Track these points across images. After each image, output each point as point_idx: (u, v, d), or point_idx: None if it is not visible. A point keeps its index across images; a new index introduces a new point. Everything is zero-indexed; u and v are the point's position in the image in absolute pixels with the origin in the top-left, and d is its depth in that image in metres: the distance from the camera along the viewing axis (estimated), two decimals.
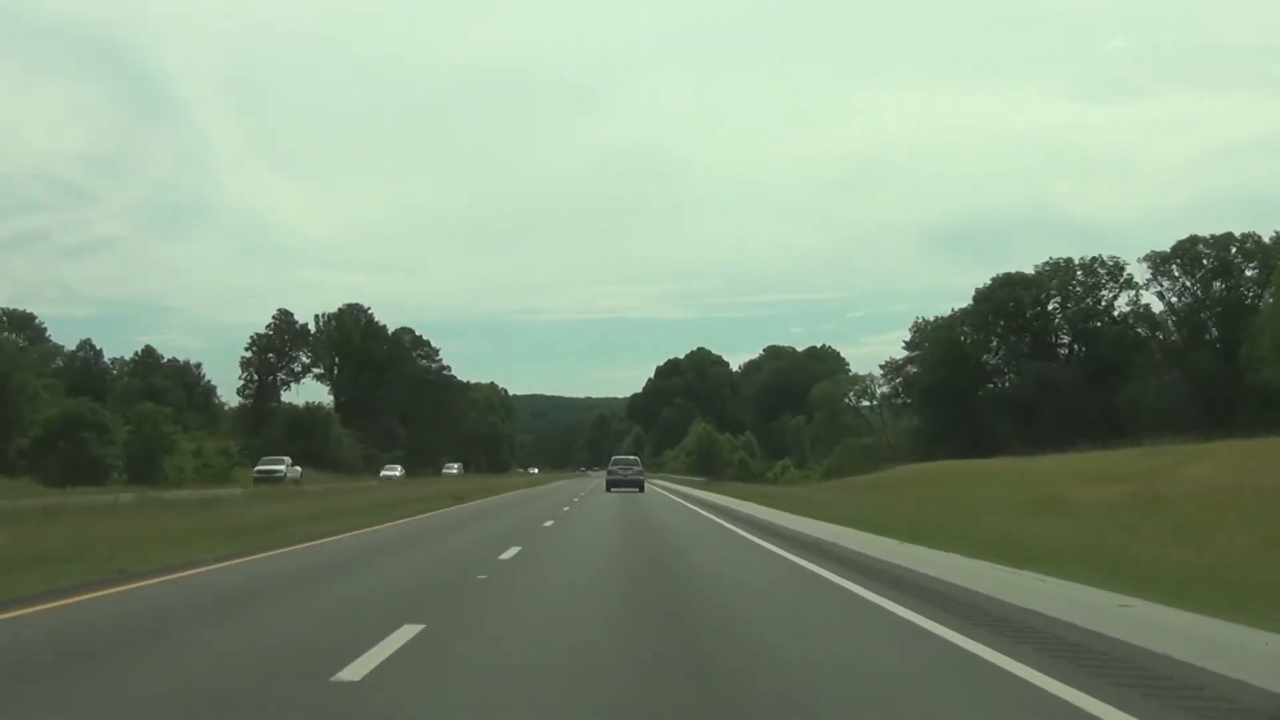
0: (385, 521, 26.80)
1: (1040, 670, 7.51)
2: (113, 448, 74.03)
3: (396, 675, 7.25)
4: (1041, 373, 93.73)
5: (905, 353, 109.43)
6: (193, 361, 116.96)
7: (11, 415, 71.84)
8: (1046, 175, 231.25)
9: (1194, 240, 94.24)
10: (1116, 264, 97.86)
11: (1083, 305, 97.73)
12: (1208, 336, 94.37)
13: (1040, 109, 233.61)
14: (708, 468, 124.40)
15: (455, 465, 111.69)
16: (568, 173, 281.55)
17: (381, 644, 8.31)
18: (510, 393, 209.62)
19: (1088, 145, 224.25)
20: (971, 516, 28.23)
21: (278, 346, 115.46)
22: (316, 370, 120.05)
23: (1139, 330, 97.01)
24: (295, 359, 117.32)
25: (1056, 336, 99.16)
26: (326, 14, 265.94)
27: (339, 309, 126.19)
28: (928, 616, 10.46)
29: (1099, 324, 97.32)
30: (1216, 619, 9.75)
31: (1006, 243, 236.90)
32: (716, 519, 30.59)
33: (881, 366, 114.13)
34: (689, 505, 40.39)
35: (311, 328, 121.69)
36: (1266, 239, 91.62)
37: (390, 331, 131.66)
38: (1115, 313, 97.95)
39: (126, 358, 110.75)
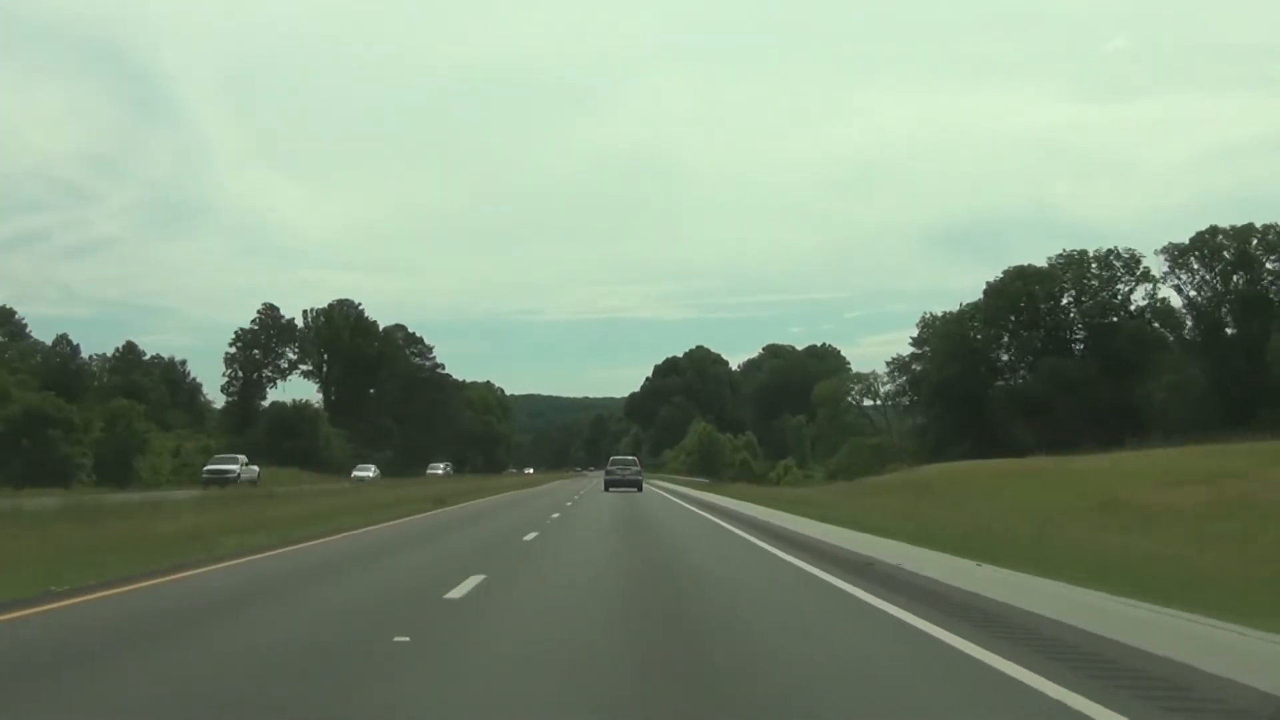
0: (332, 534, 21.95)
1: None
2: (79, 446, 69.09)
3: None
4: (1056, 369, 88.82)
5: (911, 349, 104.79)
6: (177, 358, 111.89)
7: None
8: (1046, 175, 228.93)
9: (1214, 231, 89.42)
10: (1133, 256, 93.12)
11: (1098, 299, 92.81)
12: (1228, 332, 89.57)
13: (1040, 109, 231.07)
14: (708, 468, 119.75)
15: (442, 465, 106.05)
16: (567, 173, 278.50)
17: None
18: (509, 393, 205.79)
19: (1087, 145, 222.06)
20: (1037, 526, 23.49)
21: (263, 342, 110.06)
22: (304, 367, 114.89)
23: (1156, 325, 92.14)
24: (281, 355, 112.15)
25: (1071, 332, 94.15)
26: (326, 14, 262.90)
27: (328, 305, 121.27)
28: (1093, 698, 6.25)
29: (1114, 319, 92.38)
30: None
31: (1006, 243, 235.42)
32: (737, 530, 25.72)
33: (888, 363, 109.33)
34: (700, 512, 35.51)
35: (300, 324, 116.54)
36: None
37: (382, 328, 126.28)
38: (1132, 307, 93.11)
39: (108, 354, 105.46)
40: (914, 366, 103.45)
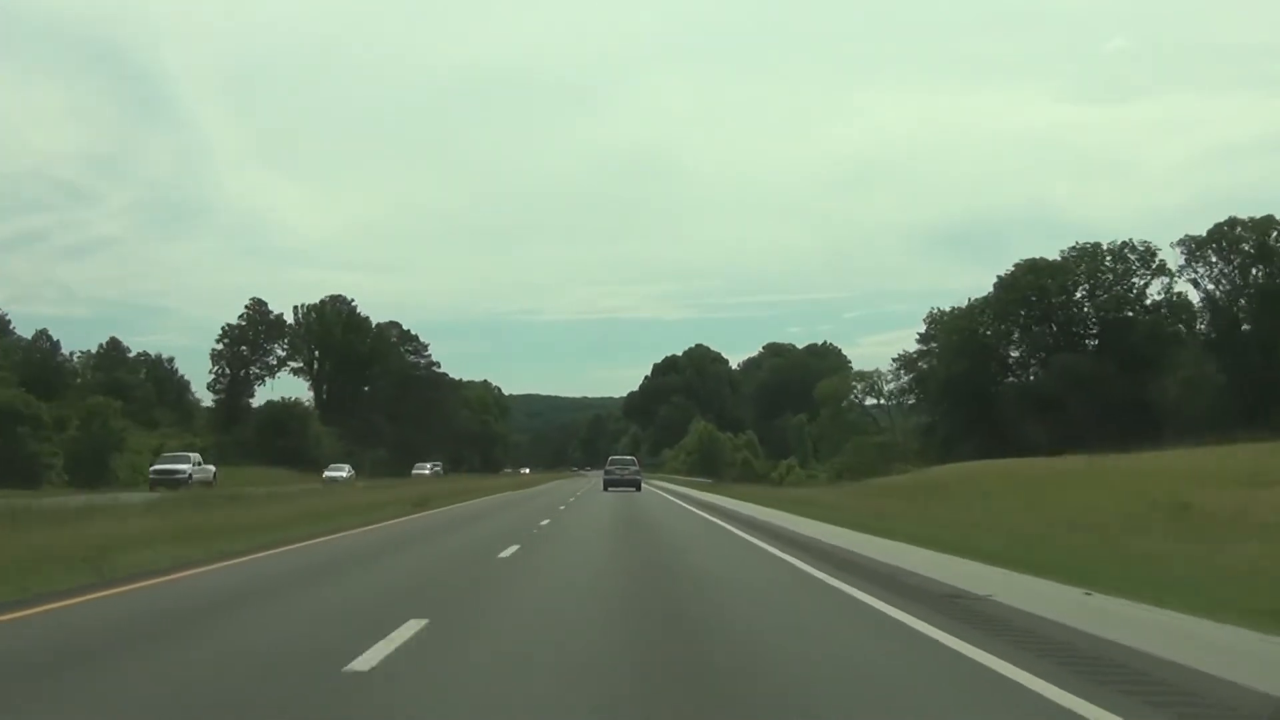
0: (270, 548, 18.01)
1: None
2: (49, 444, 65.11)
3: None
4: (1069, 365, 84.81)
5: (917, 346, 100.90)
6: (165, 355, 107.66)
7: None
8: (1045, 175, 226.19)
9: (1232, 223, 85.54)
10: (1148, 249, 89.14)
11: (1112, 293, 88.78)
12: (1246, 327, 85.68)
13: (1040, 109, 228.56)
14: (709, 468, 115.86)
15: (429, 465, 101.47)
16: (567, 172, 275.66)
17: None
18: (507, 393, 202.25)
19: (1087, 145, 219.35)
20: (1102, 536, 19.49)
21: (251, 339, 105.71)
22: (294, 364, 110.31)
23: (1173, 319, 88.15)
24: (270, 352, 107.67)
25: (1084, 327, 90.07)
26: (326, 14, 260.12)
27: (320, 300, 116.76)
28: None
29: (1129, 313, 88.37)
30: None
31: (1006, 243, 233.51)
32: (751, 537, 21.77)
33: (894, 359, 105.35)
34: (706, 516, 31.53)
35: (290, 320, 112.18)
36: None
37: (374, 325, 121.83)
38: (1147, 301, 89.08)
39: (91, 351, 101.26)
40: (920, 364, 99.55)
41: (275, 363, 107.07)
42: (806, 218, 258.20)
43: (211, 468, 60.49)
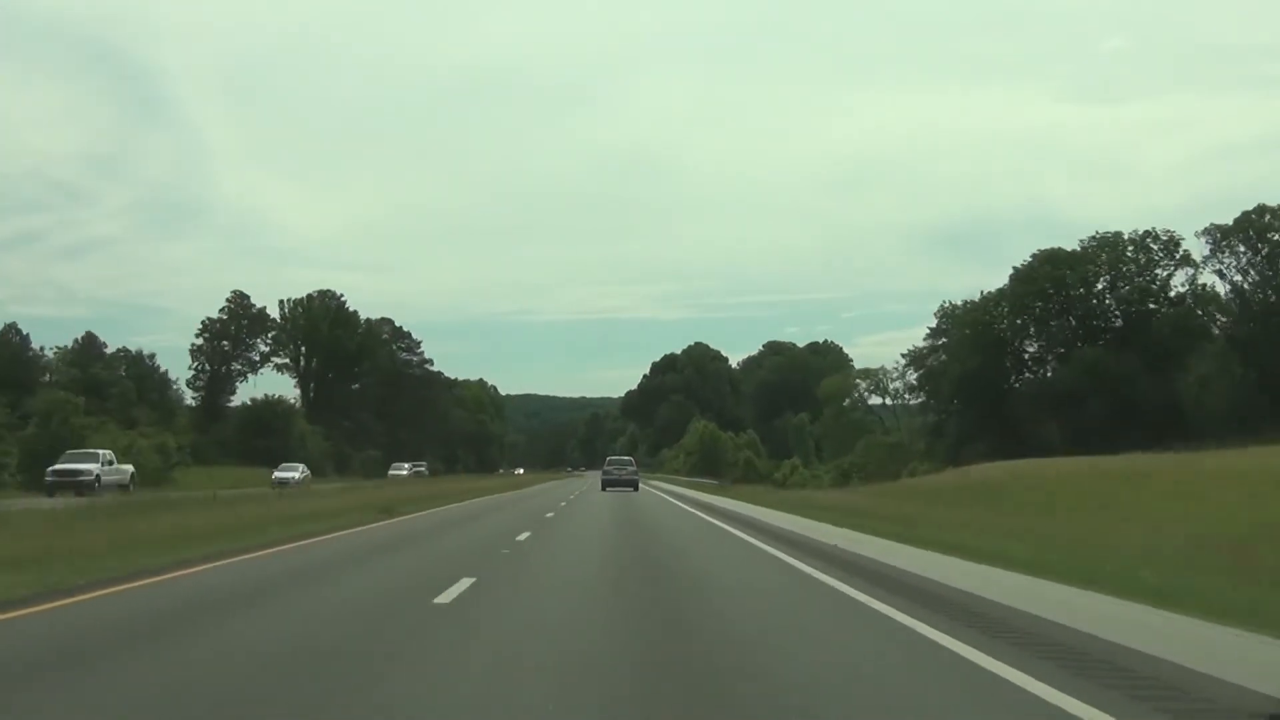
0: (126, 581, 12.14)
1: None
2: (3, 443, 59.09)
3: None
4: (1091, 360, 78.83)
5: (928, 341, 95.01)
6: (145, 351, 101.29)
7: None
8: (1044, 175, 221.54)
9: (1261, 211, 79.68)
10: (1171, 239, 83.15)
11: (1135, 284, 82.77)
12: (1277, 319, 79.76)
13: (1039, 109, 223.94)
14: (710, 468, 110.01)
15: (408, 466, 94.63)
16: (565, 172, 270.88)
17: None
18: (506, 393, 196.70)
19: (1085, 145, 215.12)
20: None
21: (233, 333, 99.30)
22: (277, 360, 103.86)
23: (1199, 312, 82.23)
24: (252, 347, 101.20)
25: (1106, 320, 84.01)
26: (325, 14, 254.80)
27: (307, 295, 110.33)
28: None
29: (1153, 305, 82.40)
30: None
31: (1005, 243, 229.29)
32: (812, 571, 15.85)
33: (903, 355, 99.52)
34: (736, 532, 25.61)
35: (276, 315, 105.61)
36: None
37: (364, 320, 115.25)
38: (1171, 293, 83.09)
39: (67, 346, 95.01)
40: (930, 360, 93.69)
41: (258, 359, 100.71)
42: (805, 217, 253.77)
43: (128, 468, 51.73)
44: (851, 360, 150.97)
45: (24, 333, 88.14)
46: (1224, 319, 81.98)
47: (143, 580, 12.62)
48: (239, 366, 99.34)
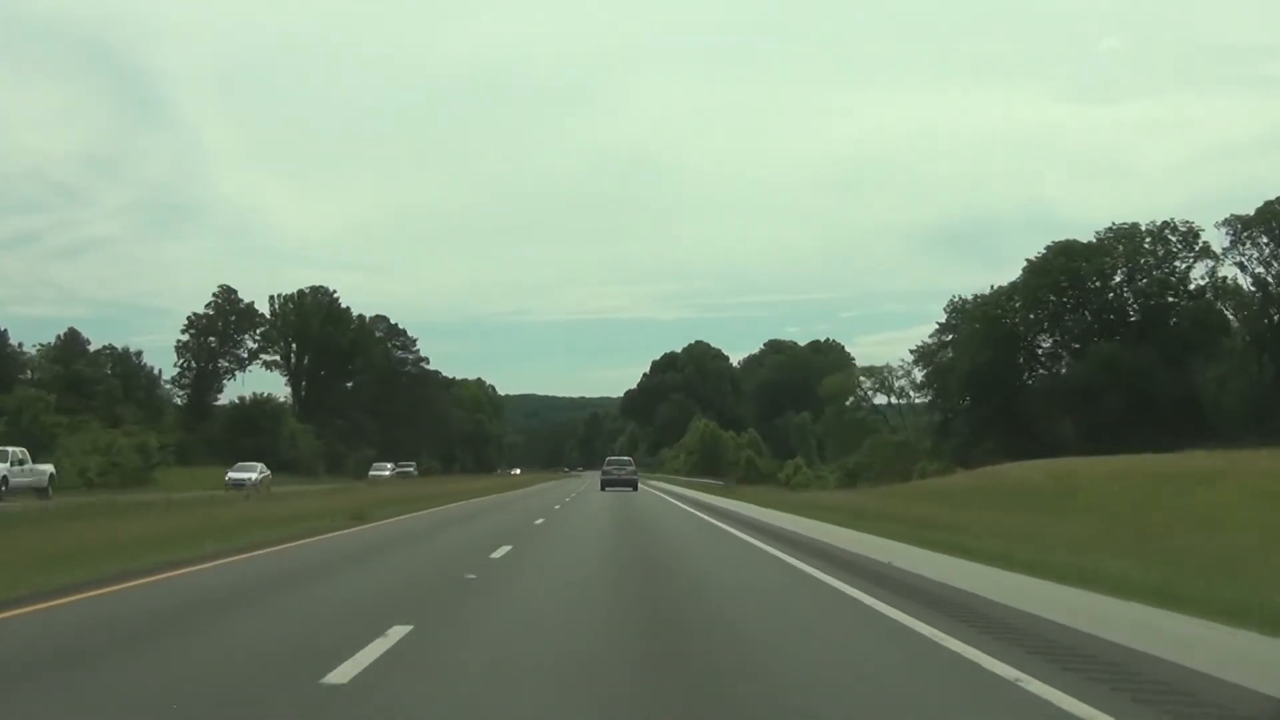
0: None
1: None
2: None
3: None
4: (1110, 355, 74.72)
5: (937, 336, 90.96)
6: (132, 349, 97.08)
7: None
8: (1043, 175, 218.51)
9: None
10: (1190, 230, 78.94)
11: (1153, 277, 78.60)
12: None
13: (1038, 109, 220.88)
14: (711, 467, 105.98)
15: (390, 466, 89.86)
16: (565, 173, 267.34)
17: None
18: (504, 393, 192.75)
19: (1084, 145, 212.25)
20: None
21: (220, 329, 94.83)
22: (266, 357, 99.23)
23: (1219, 306, 78.14)
24: (240, 344, 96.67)
25: (1124, 314, 79.78)
26: (324, 14, 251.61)
27: (298, 291, 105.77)
28: None
29: (1172, 298, 78.26)
30: None
31: (1005, 243, 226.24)
32: (912, 621, 11.78)
33: (912, 351, 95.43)
34: (754, 541, 21.58)
35: (266, 312, 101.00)
36: None
37: (356, 316, 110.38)
38: (1191, 286, 78.94)
39: (48, 343, 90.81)
40: (939, 355, 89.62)
41: (246, 356, 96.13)
42: (805, 217, 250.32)
43: (46, 469, 46.33)
44: (853, 359, 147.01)
45: (2, 329, 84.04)
46: (1245, 312, 77.91)
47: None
48: (226, 364, 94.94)
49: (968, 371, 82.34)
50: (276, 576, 13.46)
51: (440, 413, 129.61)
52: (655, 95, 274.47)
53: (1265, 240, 76.17)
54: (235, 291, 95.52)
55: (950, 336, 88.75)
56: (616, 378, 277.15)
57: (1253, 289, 76.93)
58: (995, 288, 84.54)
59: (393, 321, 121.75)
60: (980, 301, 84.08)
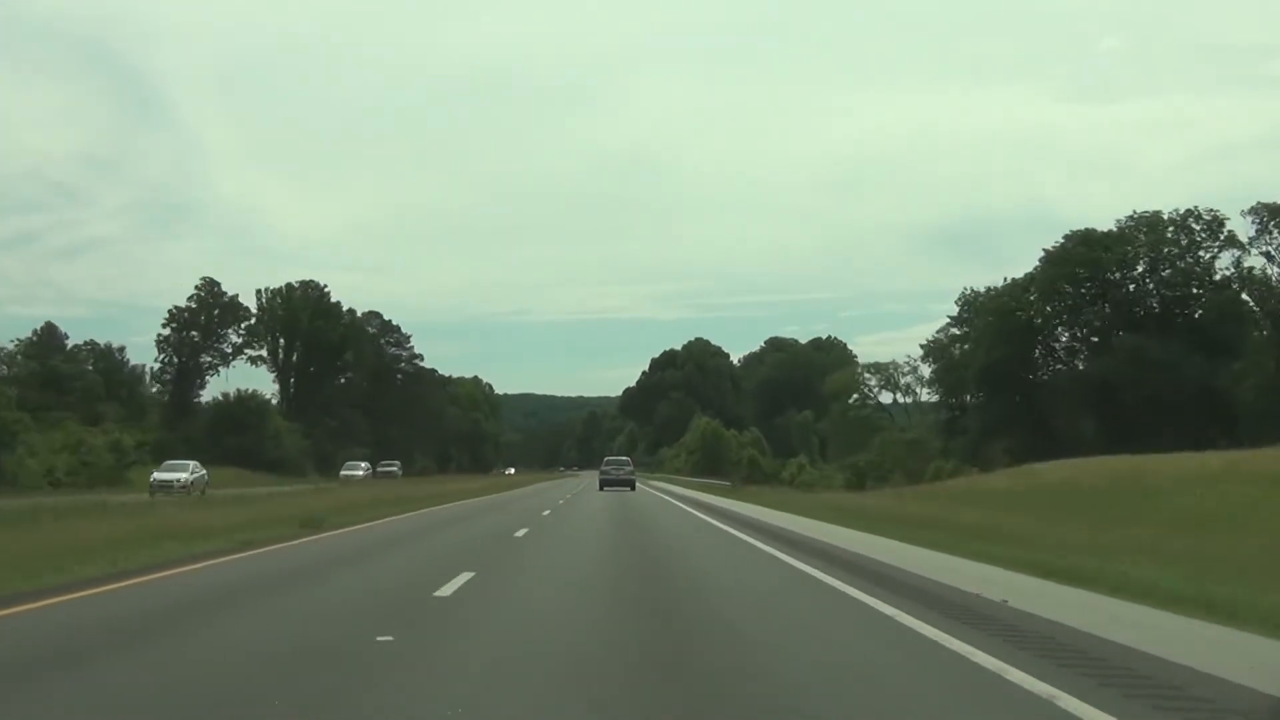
0: None
1: None
2: None
3: None
4: (1134, 348, 70.00)
5: (950, 330, 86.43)
6: (115, 345, 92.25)
7: None
8: (1044, 175, 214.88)
9: None
10: (1215, 218, 74.23)
11: (1177, 267, 73.87)
12: None
13: (1038, 109, 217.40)
14: (712, 467, 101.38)
15: (363, 465, 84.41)
16: (565, 173, 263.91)
17: None
18: (504, 392, 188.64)
19: (1084, 145, 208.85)
20: None
21: (202, 323, 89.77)
22: (251, 351, 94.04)
23: (1246, 298, 73.48)
24: (224, 338, 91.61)
25: (1147, 306, 75.03)
26: (324, 14, 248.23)
27: (286, 284, 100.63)
28: None
29: (1197, 289, 73.53)
30: None
31: (1004, 243, 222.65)
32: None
33: (922, 345, 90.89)
34: (801, 565, 16.84)
35: (253, 306, 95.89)
36: None
37: (345, 311, 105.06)
38: (1216, 277, 74.20)
39: (22, 338, 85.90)
40: (952, 349, 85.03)
41: (230, 351, 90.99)
42: (804, 217, 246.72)
43: None
44: (855, 356, 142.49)
45: None
46: (1273, 302, 73.26)
47: None
48: (210, 359, 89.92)
49: (981, 366, 77.77)
50: (113, 627, 8.81)
51: (435, 411, 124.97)
52: (655, 95, 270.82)
53: None
54: (219, 284, 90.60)
55: (964, 330, 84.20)
56: (616, 378, 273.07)
57: None
58: (1008, 280, 79.97)
59: (386, 318, 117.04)
60: (994, 294, 79.49)
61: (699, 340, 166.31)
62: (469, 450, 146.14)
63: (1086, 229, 76.20)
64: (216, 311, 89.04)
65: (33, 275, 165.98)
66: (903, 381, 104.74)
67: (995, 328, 76.89)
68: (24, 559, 12.90)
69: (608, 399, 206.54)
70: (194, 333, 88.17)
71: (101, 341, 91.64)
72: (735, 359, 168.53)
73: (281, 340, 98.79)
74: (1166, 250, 74.49)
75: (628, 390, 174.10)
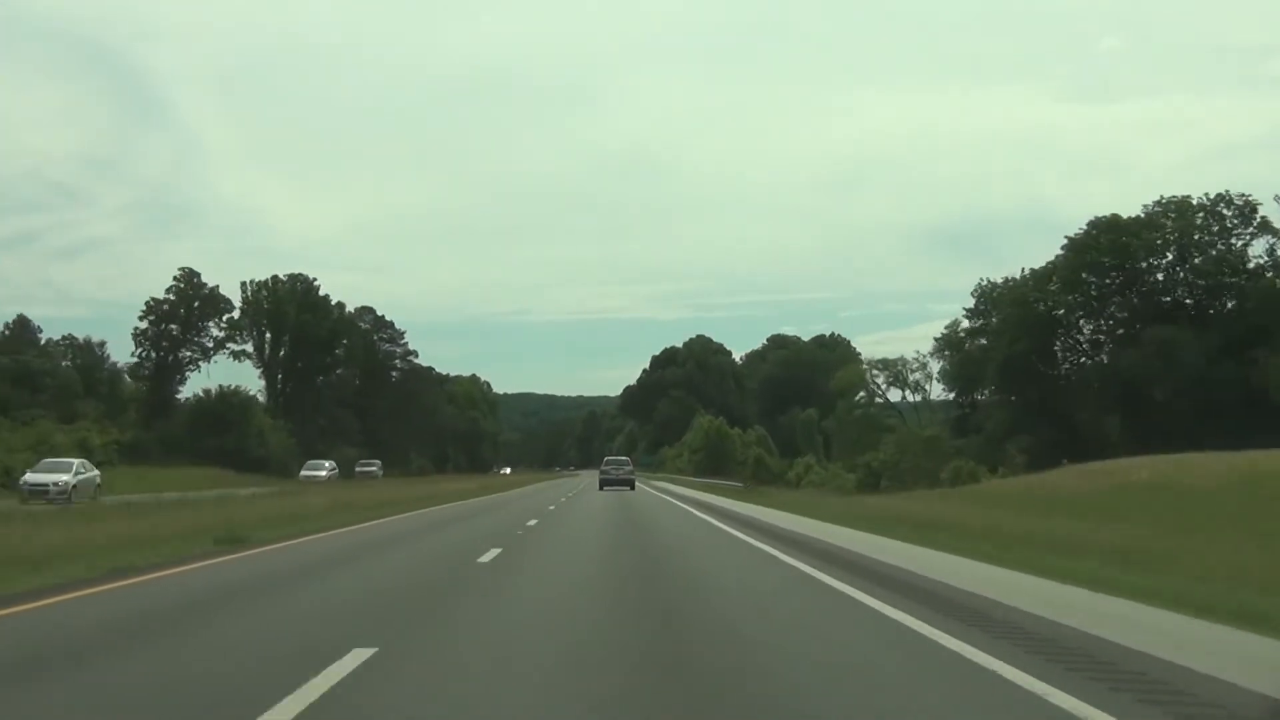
0: None
1: None
2: None
3: None
4: (1167, 340, 64.81)
5: (965, 324, 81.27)
6: (95, 339, 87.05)
7: None
8: (1043, 175, 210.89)
9: None
10: (1248, 203, 69.05)
11: (1210, 255, 68.66)
12: None
13: (1037, 109, 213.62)
14: (716, 467, 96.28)
15: (326, 464, 77.76)
16: (565, 173, 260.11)
17: None
18: (503, 392, 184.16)
19: (1084, 145, 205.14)
20: None
21: (182, 316, 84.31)
22: (235, 346, 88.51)
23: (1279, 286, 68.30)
24: (205, 331, 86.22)
25: (1177, 296, 69.84)
26: (324, 14, 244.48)
27: (273, 277, 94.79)
28: None
29: (1231, 278, 68.27)
30: None
31: (1004, 243, 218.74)
32: None
33: (936, 339, 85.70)
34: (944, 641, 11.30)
35: (236, 298, 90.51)
36: None
37: (336, 304, 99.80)
38: (1250, 264, 69.02)
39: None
40: (967, 344, 79.88)
41: (212, 345, 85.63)
42: (804, 217, 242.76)
43: None
44: (859, 353, 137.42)
45: None
46: None
47: None
48: (190, 353, 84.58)
49: (1003, 359, 72.60)
50: None
51: (430, 409, 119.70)
52: (655, 95, 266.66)
53: None
54: (199, 274, 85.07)
55: (980, 322, 79.05)
56: (616, 377, 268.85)
57: None
58: (1029, 269, 74.81)
59: (379, 313, 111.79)
60: (1013, 285, 74.36)
61: (700, 338, 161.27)
62: (466, 450, 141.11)
63: (1111, 215, 71.07)
64: (196, 304, 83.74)
65: (33, 275, 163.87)
66: (911, 378, 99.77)
67: (1017, 318, 71.81)
68: None
69: (608, 399, 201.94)
70: (173, 326, 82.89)
71: (80, 336, 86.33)
72: (737, 357, 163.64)
73: (268, 334, 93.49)
74: (1197, 237, 69.32)
75: (628, 389, 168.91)
